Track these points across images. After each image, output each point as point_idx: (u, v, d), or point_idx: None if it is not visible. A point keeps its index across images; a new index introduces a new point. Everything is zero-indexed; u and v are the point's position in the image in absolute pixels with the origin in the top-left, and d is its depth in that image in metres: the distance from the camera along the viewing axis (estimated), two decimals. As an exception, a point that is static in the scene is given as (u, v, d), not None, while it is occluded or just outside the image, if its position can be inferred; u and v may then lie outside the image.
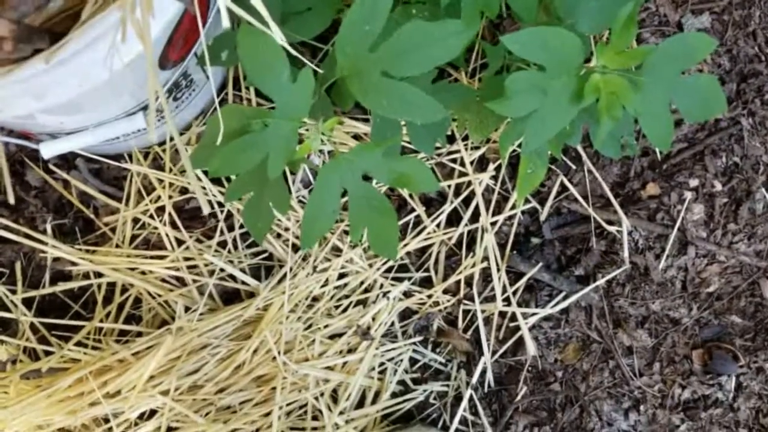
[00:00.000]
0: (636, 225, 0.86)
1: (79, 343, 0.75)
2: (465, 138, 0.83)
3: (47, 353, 0.76)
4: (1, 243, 0.80)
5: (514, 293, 0.83)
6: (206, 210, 0.69)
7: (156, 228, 0.80)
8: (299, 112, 0.53)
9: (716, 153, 0.88)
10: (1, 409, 0.70)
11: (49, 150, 0.65)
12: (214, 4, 0.63)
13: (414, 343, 0.83)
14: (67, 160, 0.82)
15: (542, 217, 0.85)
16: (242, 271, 0.80)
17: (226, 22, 0.48)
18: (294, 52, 0.52)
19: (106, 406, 0.71)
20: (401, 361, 0.82)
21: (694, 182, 0.88)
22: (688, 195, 0.88)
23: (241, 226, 0.81)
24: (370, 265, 0.81)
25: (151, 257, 0.79)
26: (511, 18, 0.81)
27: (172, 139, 0.78)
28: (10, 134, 0.73)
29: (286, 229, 0.80)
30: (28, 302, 0.78)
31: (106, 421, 0.74)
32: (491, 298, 0.83)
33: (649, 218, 0.87)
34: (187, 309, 0.77)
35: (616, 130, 0.67)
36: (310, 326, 0.80)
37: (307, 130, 0.56)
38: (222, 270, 0.80)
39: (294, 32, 0.65)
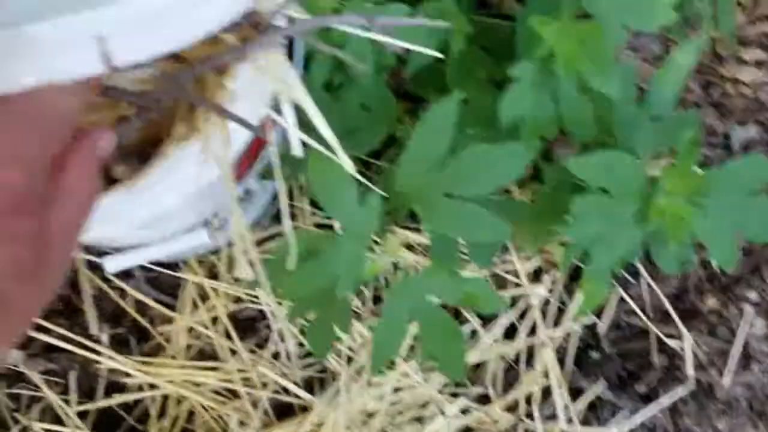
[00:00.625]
0: (697, 339, 0.84)
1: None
2: (517, 248, 0.83)
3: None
4: (57, 352, 0.81)
5: (576, 411, 0.80)
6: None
7: (210, 338, 0.80)
8: (366, 234, 0.54)
9: (775, 265, 0.86)
10: None
11: (113, 265, 0.66)
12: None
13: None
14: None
15: (601, 332, 0.83)
16: (295, 383, 0.79)
17: (298, 152, 0.50)
18: (361, 178, 0.53)
19: None
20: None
21: (753, 295, 0.86)
22: (749, 309, 0.85)
23: (296, 336, 0.81)
24: (426, 380, 0.80)
25: (205, 368, 0.79)
26: (562, 132, 0.82)
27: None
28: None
29: (338, 339, 0.80)
30: (82, 414, 0.78)
31: None
32: (552, 417, 0.80)
33: (710, 332, 0.85)
34: (241, 423, 0.76)
35: (679, 252, 0.66)
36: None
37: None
38: (275, 383, 0.79)
39: (347, 149, 0.67)
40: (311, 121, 0.48)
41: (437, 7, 0.62)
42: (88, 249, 0.73)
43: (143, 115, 0.44)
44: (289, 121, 0.49)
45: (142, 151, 0.55)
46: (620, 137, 0.61)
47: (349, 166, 0.50)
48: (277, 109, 0.50)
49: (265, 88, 0.50)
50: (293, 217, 0.86)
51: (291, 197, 0.84)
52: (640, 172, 0.54)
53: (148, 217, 0.53)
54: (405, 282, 0.55)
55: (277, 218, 0.86)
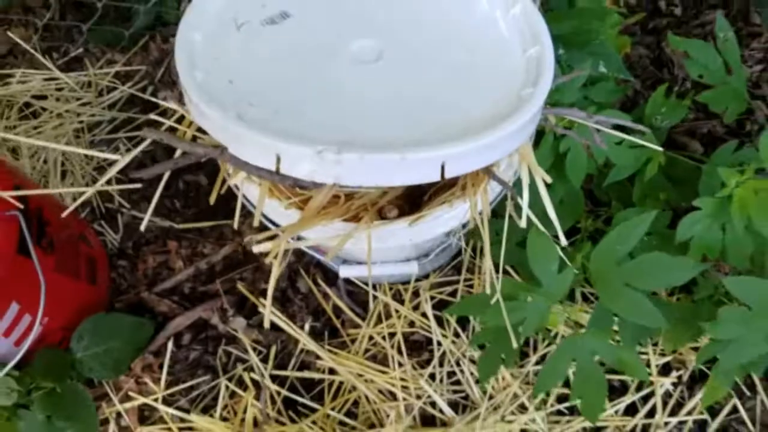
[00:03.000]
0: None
1: (313, 422, 0.93)
2: (654, 344, 0.98)
3: (280, 422, 0.94)
4: (268, 329, 1.02)
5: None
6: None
7: (384, 348, 0.99)
8: (558, 294, 0.72)
9: None
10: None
11: (347, 272, 0.87)
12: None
13: None
14: (329, 277, 1.05)
15: (710, 431, 0.96)
16: (444, 401, 0.96)
17: (523, 224, 0.68)
18: (562, 255, 0.71)
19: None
20: None
21: None
22: None
23: (451, 365, 0.98)
24: (549, 430, 0.95)
25: (376, 370, 0.98)
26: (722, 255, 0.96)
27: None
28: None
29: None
30: (273, 378, 0.98)
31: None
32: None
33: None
34: (394, 421, 0.94)
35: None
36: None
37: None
38: (428, 396, 0.96)
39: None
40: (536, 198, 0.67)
41: (642, 137, 0.80)
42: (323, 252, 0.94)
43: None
44: (525, 197, 0.68)
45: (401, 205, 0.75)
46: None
47: (563, 241, 0.68)
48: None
49: (515, 167, 0.70)
50: (470, 270, 1.05)
51: (474, 252, 1.03)
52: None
53: (403, 245, 0.73)
54: (575, 337, 0.72)
55: (454, 269, 1.05)
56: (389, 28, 0.70)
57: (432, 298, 1.03)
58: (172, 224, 1.09)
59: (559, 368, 0.73)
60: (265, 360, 1.00)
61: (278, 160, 0.57)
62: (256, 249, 0.66)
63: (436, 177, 0.58)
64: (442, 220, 0.69)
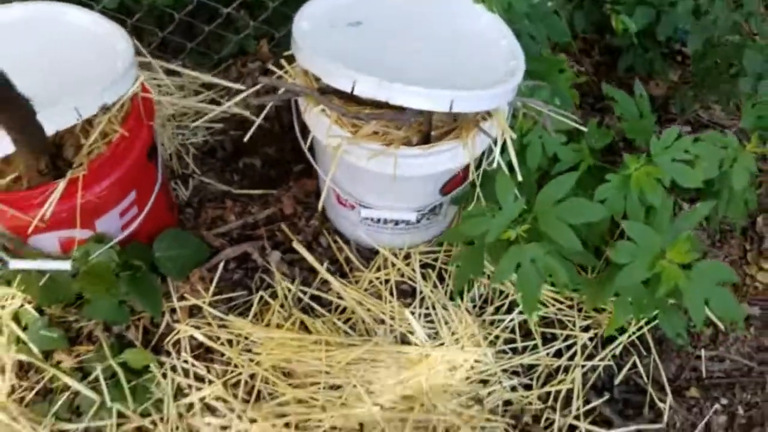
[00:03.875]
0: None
1: (323, 323, 1.25)
2: (579, 309, 1.32)
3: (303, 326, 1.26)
4: (293, 264, 1.35)
5: (583, 411, 1.24)
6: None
7: (380, 289, 1.33)
8: (512, 215, 1.08)
9: None
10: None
11: (366, 213, 1.23)
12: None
13: None
14: (344, 239, 1.40)
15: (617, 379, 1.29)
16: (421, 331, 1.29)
17: (495, 165, 1.06)
18: (517, 192, 1.09)
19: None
20: None
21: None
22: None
23: (428, 308, 1.31)
24: (495, 362, 1.27)
25: (372, 302, 1.31)
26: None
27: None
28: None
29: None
30: (295, 300, 1.31)
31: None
32: (567, 410, 1.24)
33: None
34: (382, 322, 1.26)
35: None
36: None
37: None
38: (409, 324, 1.29)
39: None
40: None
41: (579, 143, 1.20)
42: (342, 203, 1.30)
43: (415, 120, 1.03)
44: (497, 149, 1.06)
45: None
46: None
47: (519, 178, 1.06)
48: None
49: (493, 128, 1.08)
50: (450, 244, 1.40)
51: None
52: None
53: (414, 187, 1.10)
54: (519, 245, 1.08)
55: (438, 243, 1.40)
56: (422, 33, 1.12)
57: (420, 260, 1.37)
58: (230, 189, 1.45)
59: (508, 267, 1.07)
60: (289, 290, 1.33)
61: (354, 84, 0.96)
62: (328, 141, 1.02)
63: (446, 108, 0.97)
64: (446, 156, 1.06)
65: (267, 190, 1.46)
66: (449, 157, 1.07)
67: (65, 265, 1.11)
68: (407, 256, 1.38)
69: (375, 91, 0.95)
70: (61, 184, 0.93)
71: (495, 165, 1.07)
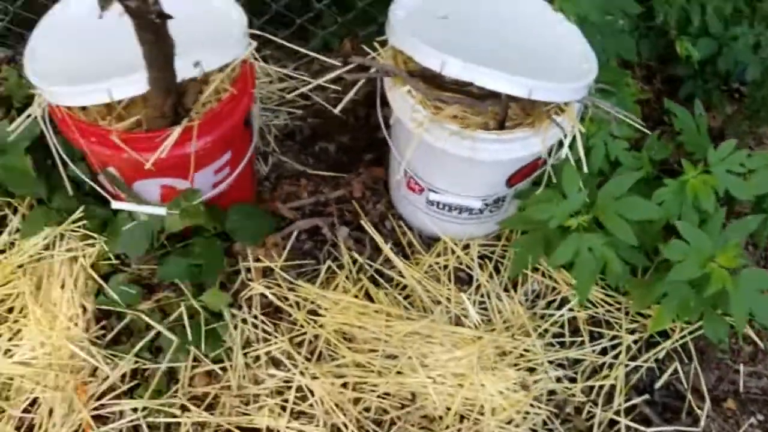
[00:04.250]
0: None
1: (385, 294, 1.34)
2: (627, 312, 1.39)
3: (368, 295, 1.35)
4: (360, 242, 1.45)
5: (624, 408, 1.30)
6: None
7: (438, 273, 1.41)
8: (576, 205, 1.16)
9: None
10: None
11: (434, 197, 1.32)
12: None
13: None
14: (407, 223, 1.49)
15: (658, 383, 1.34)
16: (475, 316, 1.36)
17: (563, 156, 1.15)
18: (581, 184, 1.17)
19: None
20: None
21: None
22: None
23: (482, 295, 1.39)
24: (544, 353, 1.34)
25: (431, 283, 1.39)
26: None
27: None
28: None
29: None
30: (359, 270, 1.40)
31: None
32: (609, 401, 1.30)
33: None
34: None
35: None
36: None
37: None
38: (464, 308, 1.37)
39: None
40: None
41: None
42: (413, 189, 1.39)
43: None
44: (567, 141, 1.15)
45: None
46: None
47: (585, 170, 1.14)
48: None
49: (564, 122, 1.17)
50: (508, 239, 1.48)
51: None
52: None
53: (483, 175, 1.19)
54: (579, 233, 1.16)
55: (497, 237, 1.48)
56: (503, 33, 1.22)
57: (478, 251, 1.46)
58: (306, 169, 1.56)
59: (566, 252, 1.15)
60: (354, 262, 1.42)
61: (442, 64, 1.06)
62: (413, 116, 1.12)
63: (524, 94, 1.06)
64: (519, 144, 1.15)
65: (339, 174, 1.56)
66: (522, 145, 1.15)
67: (160, 211, 1.22)
68: (466, 246, 1.46)
69: (461, 71, 1.05)
70: (178, 129, 1.04)
71: (563, 156, 1.15)
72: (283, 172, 1.56)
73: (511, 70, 1.08)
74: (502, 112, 1.14)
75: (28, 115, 1.09)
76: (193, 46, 1.00)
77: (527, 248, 1.23)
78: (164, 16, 0.77)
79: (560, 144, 1.17)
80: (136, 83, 0.98)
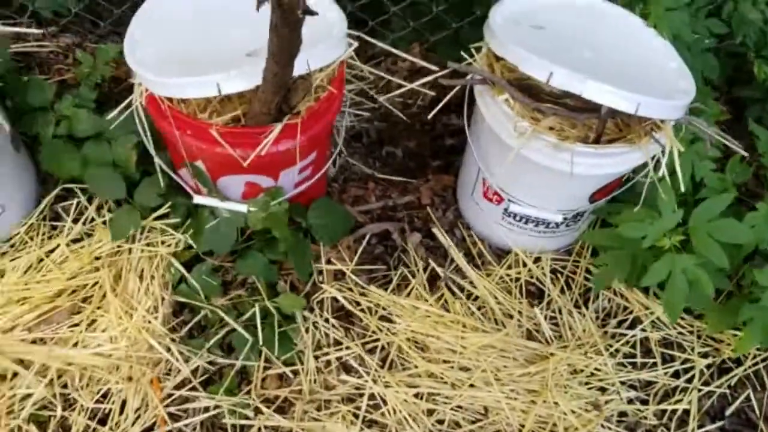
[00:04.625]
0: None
1: (461, 304, 1.32)
2: (698, 336, 1.37)
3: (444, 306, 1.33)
4: (429, 249, 1.43)
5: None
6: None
7: (509, 285, 1.39)
8: (670, 224, 1.14)
9: None
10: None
11: (514, 208, 1.30)
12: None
13: None
14: (477, 233, 1.47)
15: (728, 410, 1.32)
16: (547, 331, 1.34)
17: (660, 174, 1.13)
18: (674, 204, 1.15)
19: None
20: None
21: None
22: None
23: (554, 311, 1.37)
24: (615, 373, 1.31)
25: (502, 295, 1.37)
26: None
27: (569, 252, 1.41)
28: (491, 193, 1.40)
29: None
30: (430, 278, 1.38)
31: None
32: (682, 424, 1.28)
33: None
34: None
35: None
36: None
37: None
38: (537, 323, 1.35)
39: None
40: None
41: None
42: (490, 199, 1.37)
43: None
44: (665, 159, 1.13)
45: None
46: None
47: (682, 189, 1.12)
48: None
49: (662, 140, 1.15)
50: (578, 254, 1.46)
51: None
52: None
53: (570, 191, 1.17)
54: (672, 254, 1.14)
55: (567, 252, 1.46)
56: (597, 46, 1.20)
57: (550, 264, 1.44)
58: (374, 172, 1.54)
59: (659, 273, 1.13)
60: (425, 270, 1.40)
61: (551, 75, 1.05)
62: (518, 128, 1.10)
63: (632, 110, 1.05)
64: (617, 159, 1.13)
65: (406, 179, 1.54)
66: (618, 160, 1.14)
67: (242, 208, 1.20)
68: (537, 259, 1.44)
69: (570, 82, 1.04)
70: (279, 126, 1.02)
71: (660, 174, 1.13)
72: (350, 174, 1.54)
73: (615, 84, 1.07)
74: (601, 126, 1.13)
75: (128, 105, 1.07)
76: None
77: (613, 265, 1.22)
78: (310, 13, 0.75)
79: (651, 162, 1.16)
80: (247, 78, 0.96)
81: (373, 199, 1.50)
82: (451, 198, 1.52)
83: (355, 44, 1.12)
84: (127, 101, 1.09)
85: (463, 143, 1.54)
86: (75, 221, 1.33)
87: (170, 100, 1.05)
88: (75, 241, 1.31)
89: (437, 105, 1.46)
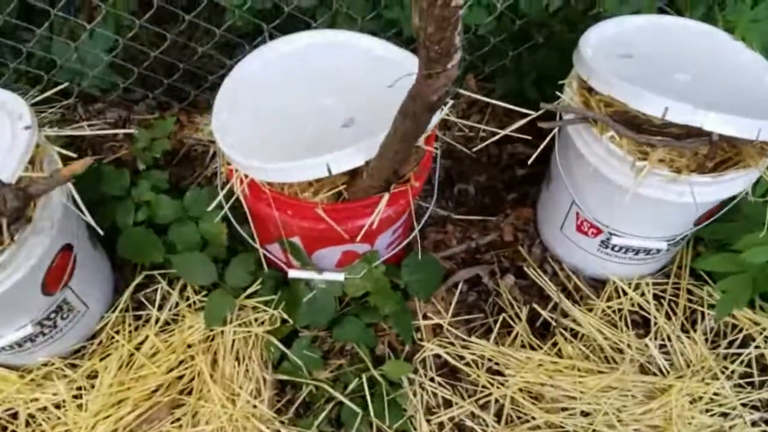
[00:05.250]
0: None
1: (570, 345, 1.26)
2: None
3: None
4: (523, 290, 1.37)
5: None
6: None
7: (614, 318, 1.34)
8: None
9: None
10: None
11: (617, 240, 1.24)
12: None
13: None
14: (563, 263, 1.41)
15: None
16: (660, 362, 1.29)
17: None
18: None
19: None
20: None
21: None
22: None
23: (663, 339, 1.32)
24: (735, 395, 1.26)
25: (609, 330, 1.31)
26: None
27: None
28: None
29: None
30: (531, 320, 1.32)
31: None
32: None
33: None
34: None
35: None
36: None
37: None
38: (650, 355, 1.29)
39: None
40: None
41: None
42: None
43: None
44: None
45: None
46: None
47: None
48: None
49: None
50: (677, 275, 1.41)
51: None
52: None
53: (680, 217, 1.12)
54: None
55: (664, 275, 1.41)
56: (689, 67, 1.15)
57: (651, 290, 1.38)
58: (450, 214, 1.49)
59: None
60: (525, 312, 1.34)
61: (666, 110, 0.99)
62: (636, 166, 1.05)
63: (753, 136, 0.99)
64: (730, 185, 1.08)
65: (484, 217, 1.48)
66: (735, 184, 1.09)
67: (340, 277, 1.14)
68: (636, 287, 1.39)
69: (689, 117, 0.98)
70: (387, 196, 0.97)
71: (777, 195, 1.08)
72: (426, 219, 1.48)
73: (722, 109, 1.01)
74: (713, 152, 1.07)
75: (231, 193, 1.01)
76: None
77: (735, 290, 1.16)
78: (444, 102, 0.70)
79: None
80: (356, 156, 0.90)
81: (454, 243, 1.44)
82: (533, 231, 1.47)
83: (451, 102, 1.06)
84: (225, 190, 1.03)
85: (536, 173, 1.49)
86: (160, 308, 1.27)
87: (270, 183, 0.99)
88: (163, 330, 1.25)
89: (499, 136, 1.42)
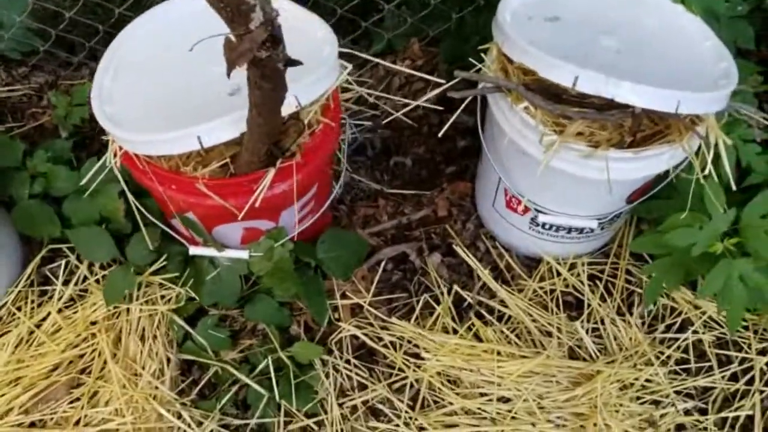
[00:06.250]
0: None
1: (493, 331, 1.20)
2: (755, 331, 1.25)
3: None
4: (451, 269, 1.30)
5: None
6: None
7: (545, 299, 1.27)
8: (722, 227, 1.01)
9: None
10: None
11: (543, 219, 1.17)
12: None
13: None
14: (503, 245, 1.34)
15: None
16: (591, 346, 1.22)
17: (706, 172, 1.00)
18: (724, 205, 1.02)
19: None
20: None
21: None
22: None
23: (596, 321, 1.25)
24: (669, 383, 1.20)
25: (538, 312, 1.25)
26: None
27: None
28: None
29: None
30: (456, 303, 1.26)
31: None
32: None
33: None
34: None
35: None
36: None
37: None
38: (579, 339, 1.23)
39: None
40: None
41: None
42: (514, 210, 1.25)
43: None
44: (710, 156, 1.00)
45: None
46: None
47: (733, 187, 0.99)
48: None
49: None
50: (617, 255, 1.34)
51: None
52: None
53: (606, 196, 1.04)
54: (728, 260, 1.01)
55: (603, 254, 1.34)
56: (620, 32, 1.06)
57: (587, 270, 1.31)
58: (382, 187, 1.42)
59: (716, 281, 1.01)
60: (450, 293, 1.28)
61: (576, 79, 0.91)
62: (545, 141, 0.97)
63: (671, 109, 0.91)
64: (657, 160, 1.00)
65: (419, 191, 1.41)
66: (659, 161, 1.01)
67: (243, 254, 1.09)
68: (572, 266, 1.32)
69: (601, 87, 0.91)
70: (272, 171, 0.90)
71: (706, 172, 1.00)
72: (357, 192, 1.42)
73: (647, 79, 0.93)
74: (636, 125, 1.00)
75: (102, 166, 0.94)
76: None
77: (664, 274, 1.09)
78: (292, 63, 0.63)
79: (696, 160, 1.03)
80: (228, 128, 0.84)
81: (385, 218, 1.38)
82: (470, 206, 1.40)
83: (349, 67, 0.98)
84: (101, 162, 0.96)
85: (478, 144, 1.41)
86: (65, 283, 1.21)
87: (149, 156, 0.92)
88: (68, 306, 1.20)
89: (444, 104, 1.35)
